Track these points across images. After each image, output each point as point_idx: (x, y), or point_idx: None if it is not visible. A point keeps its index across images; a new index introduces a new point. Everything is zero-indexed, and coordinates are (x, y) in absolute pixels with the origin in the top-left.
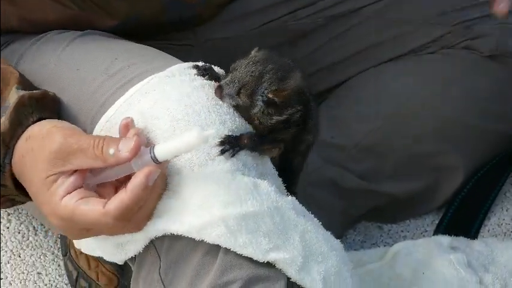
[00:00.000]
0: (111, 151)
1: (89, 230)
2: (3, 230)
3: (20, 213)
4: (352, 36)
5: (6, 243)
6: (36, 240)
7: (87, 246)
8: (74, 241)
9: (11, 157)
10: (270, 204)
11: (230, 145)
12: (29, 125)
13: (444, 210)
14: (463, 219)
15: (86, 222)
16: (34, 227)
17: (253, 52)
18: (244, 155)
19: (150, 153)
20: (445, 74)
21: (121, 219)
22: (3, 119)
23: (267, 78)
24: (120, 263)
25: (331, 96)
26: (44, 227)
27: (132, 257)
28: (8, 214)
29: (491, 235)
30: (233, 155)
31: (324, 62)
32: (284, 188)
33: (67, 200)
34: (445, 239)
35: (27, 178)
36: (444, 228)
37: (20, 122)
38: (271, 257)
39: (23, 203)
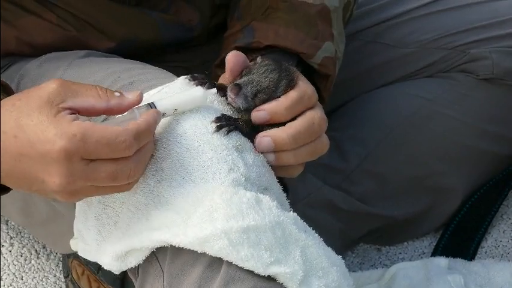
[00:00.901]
0: (116, 93)
1: (91, 162)
2: (6, 253)
3: (22, 236)
4: (349, 60)
5: (8, 266)
6: (38, 264)
7: (86, 249)
8: (71, 242)
9: None
10: (272, 218)
11: (226, 122)
12: None
13: (441, 232)
14: (460, 241)
15: (102, 139)
16: (36, 250)
17: (258, 59)
18: (248, 170)
19: (151, 106)
20: (443, 97)
21: (137, 140)
22: None
23: (283, 84)
24: (116, 273)
25: (329, 120)
26: (46, 250)
27: (132, 269)
28: (11, 238)
29: (488, 256)
30: (228, 132)
31: None
32: (288, 203)
33: (80, 122)
34: (442, 260)
35: (24, 113)
36: (441, 250)
37: None
38: (272, 270)
39: None
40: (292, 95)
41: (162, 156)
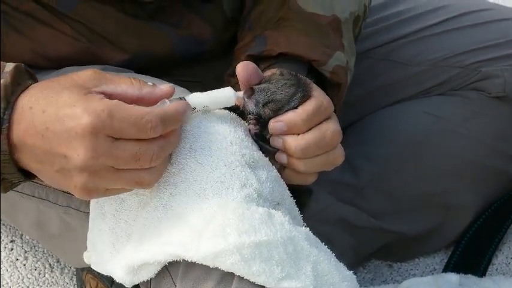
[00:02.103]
0: (149, 83)
1: (115, 140)
2: (20, 267)
3: (36, 250)
4: (361, 78)
5: (23, 280)
6: (53, 277)
7: (99, 262)
8: (84, 255)
9: (10, 113)
10: (284, 234)
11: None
12: (27, 86)
13: (453, 248)
14: (471, 258)
15: (129, 117)
16: (50, 264)
17: (278, 71)
18: (261, 186)
19: (181, 99)
20: (455, 115)
21: (163, 123)
22: (3, 75)
23: (297, 98)
24: (128, 286)
25: None
26: (60, 264)
27: (145, 282)
28: (25, 252)
29: (499, 273)
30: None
31: None
32: (301, 217)
33: (108, 100)
34: (453, 277)
35: (55, 91)
36: (453, 266)
37: (19, 83)
38: (283, 285)
39: (12, 185)
40: (309, 106)
41: (176, 170)
